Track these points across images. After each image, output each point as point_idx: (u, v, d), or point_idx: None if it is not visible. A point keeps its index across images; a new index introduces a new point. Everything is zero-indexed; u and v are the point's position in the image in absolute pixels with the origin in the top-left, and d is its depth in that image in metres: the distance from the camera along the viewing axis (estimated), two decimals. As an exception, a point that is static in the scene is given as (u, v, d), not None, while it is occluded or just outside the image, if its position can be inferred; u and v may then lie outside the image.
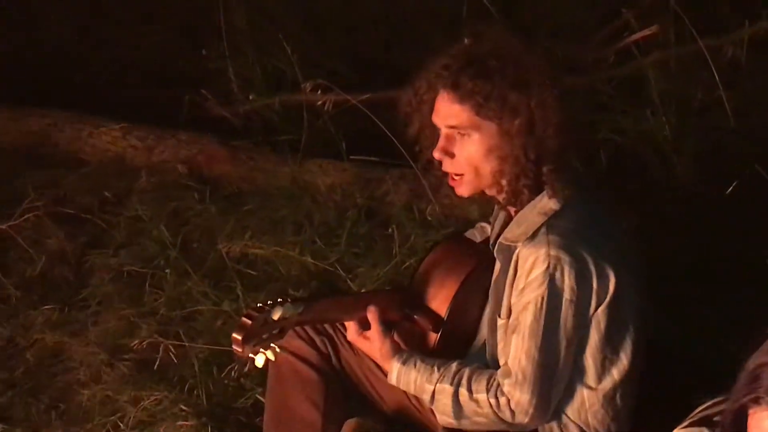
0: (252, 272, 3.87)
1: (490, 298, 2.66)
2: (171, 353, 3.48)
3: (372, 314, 2.65)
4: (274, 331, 2.49)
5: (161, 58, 5.49)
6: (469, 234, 2.95)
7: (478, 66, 2.45)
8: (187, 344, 3.46)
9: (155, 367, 3.46)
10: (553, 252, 2.39)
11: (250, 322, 2.43)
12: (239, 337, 2.43)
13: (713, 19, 4.30)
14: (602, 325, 2.47)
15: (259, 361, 2.50)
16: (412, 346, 2.71)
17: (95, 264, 4.05)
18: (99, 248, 4.13)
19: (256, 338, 2.45)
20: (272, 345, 2.51)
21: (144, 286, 3.84)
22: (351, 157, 4.25)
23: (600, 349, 2.51)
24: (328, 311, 2.63)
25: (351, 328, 2.68)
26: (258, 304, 2.48)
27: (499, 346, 2.56)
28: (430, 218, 3.83)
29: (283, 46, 4.59)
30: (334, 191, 4.13)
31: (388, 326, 2.67)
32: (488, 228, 2.88)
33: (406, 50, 4.82)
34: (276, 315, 2.46)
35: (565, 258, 2.38)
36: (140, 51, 5.56)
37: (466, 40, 2.60)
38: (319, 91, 4.05)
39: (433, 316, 2.70)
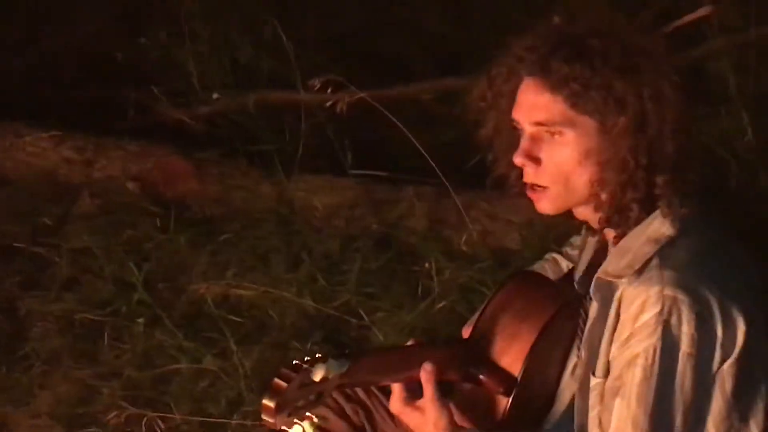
0: (237, 319, 3.82)
1: (581, 351, 2.56)
2: (158, 427, 3.40)
3: (427, 375, 2.52)
4: (312, 397, 2.39)
5: (95, 49, 5.39)
6: (538, 269, 2.88)
7: (575, 46, 2.35)
8: (176, 415, 3.40)
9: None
10: (668, 291, 2.29)
11: (285, 384, 2.32)
12: (272, 405, 2.31)
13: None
14: (728, 386, 2.37)
15: None
16: (475, 415, 2.62)
17: (33, 310, 4.00)
18: (36, 289, 4.09)
19: (291, 405, 2.35)
20: (308, 414, 2.39)
21: (101, 339, 3.78)
22: (352, 171, 4.15)
23: (725, 417, 2.40)
24: (376, 370, 2.53)
25: (396, 394, 2.55)
26: (294, 362, 2.36)
27: (592, 413, 2.47)
28: (465, 248, 3.69)
29: (258, 30, 4.48)
30: (336, 215, 4.06)
31: (444, 391, 2.56)
32: (563, 261, 2.83)
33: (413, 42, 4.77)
34: (318, 375, 2.36)
35: (684, 299, 2.28)
36: (69, 40, 5.46)
37: (556, 19, 2.50)
38: (330, 89, 3.88)
39: (503, 375, 2.62)
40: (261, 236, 4.13)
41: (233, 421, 3.42)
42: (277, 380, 2.34)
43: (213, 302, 3.88)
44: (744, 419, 2.42)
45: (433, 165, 3.59)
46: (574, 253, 2.79)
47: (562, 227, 3.76)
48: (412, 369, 2.55)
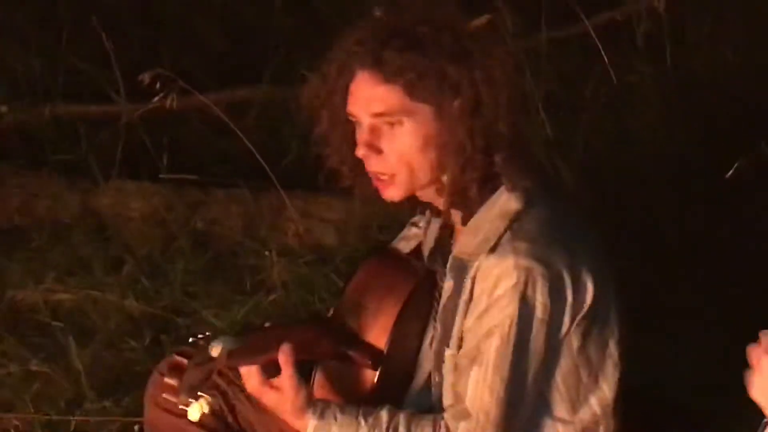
0: (59, 324, 3.76)
1: (436, 326, 2.59)
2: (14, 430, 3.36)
3: (285, 355, 2.47)
4: (207, 375, 2.39)
5: None
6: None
7: (406, 36, 2.34)
8: (29, 415, 3.31)
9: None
10: (522, 262, 2.32)
11: (185, 362, 2.32)
12: (174, 383, 2.33)
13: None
14: (575, 344, 2.44)
15: (194, 413, 2.39)
16: (341, 390, 2.63)
17: None
18: None
19: (190, 383, 2.35)
20: (202, 393, 2.40)
21: None
22: (161, 176, 4.14)
23: (573, 372, 2.47)
24: (269, 347, 2.53)
25: (252, 375, 2.49)
26: (190, 339, 2.36)
27: (446, 383, 2.49)
28: (293, 243, 3.76)
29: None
30: (150, 219, 4.04)
31: (306, 369, 2.58)
32: (408, 245, 2.82)
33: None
34: (215, 351, 2.35)
35: (538, 268, 2.32)
36: None
37: (377, 12, 2.50)
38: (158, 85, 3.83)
39: (370, 349, 2.63)
40: (73, 243, 4.06)
41: (77, 419, 3.36)
42: (177, 356, 2.35)
43: (33, 308, 3.80)
44: (593, 376, 2.48)
45: (263, 163, 3.59)
46: (408, 243, 2.82)
47: (376, 224, 3.92)
48: (274, 350, 2.53)
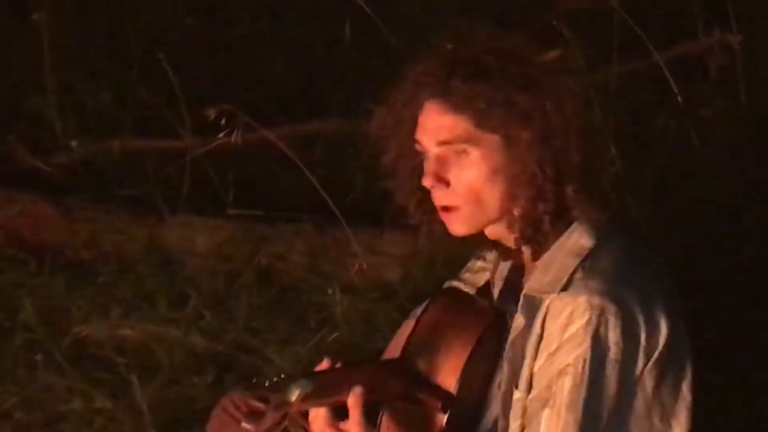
0: (123, 360, 3.76)
1: (504, 367, 2.54)
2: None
3: (355, 399, 2.44)
4: (282, 418, 2.40)
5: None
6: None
7: (473, 66, 2.34)
8: None
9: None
10: (595, 301, 2.28)
11: (263, 407, 2.32)
12: (252, 428, 2.31)
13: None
14: (648, 387, 2.39)
15: None
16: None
17: None
18: None
19: (270, 427, 2.35)
20: None
21: (-15, 383, 3.65)
22: (228, 211, 4.15)
23: (646, 417, 2.42)
24: (339, 388, 2.48)
25: (319, 417, 2.48)
26: (266, 383, 2.33)
27: (513, 426, 2.44)
28: (357, 280, 3.76)
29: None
30: (216, 254, 4.03)
31: (374, 411, 2.53)
32: (464, 288, 2.78)
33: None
34: (293, 395, 2.32)
35: (610, 307, 2.29)
36: None
37: (448, 45, 2.49)
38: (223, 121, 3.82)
39: (439, 392, 2.59)
40: (138, 278, 4.07)
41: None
42: (254, 401, 2.33)
43: (98, 343, 3.80)
44: (665, 419, 2.43)
45: (327, 199, 3.58)
46: (474, 276, 2.78)
47: (442, 258, 3.87)
48: (344, 392, 2.50)
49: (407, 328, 2.77)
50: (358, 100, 4.31)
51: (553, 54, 4.04)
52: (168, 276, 4.05)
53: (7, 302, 4.06)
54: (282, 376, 2.36)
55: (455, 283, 2.81)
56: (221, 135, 3.67)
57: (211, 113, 3.61)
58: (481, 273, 2.76)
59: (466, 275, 2.79)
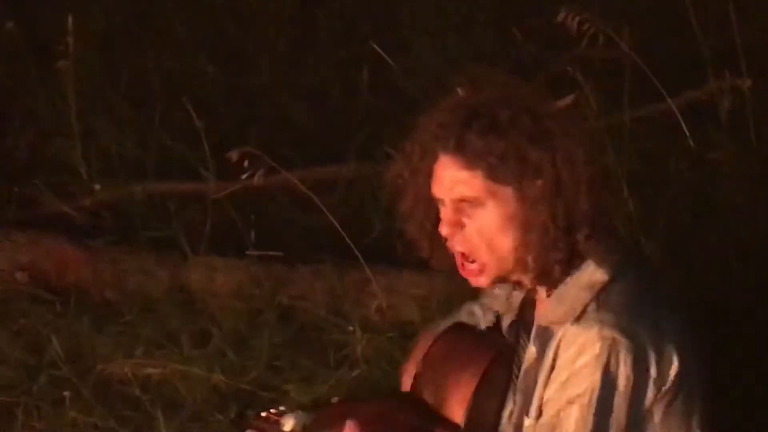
0: (146, 397, 3.79)
1: (516, 395, 2.59)
2: None
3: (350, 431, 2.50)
4: None
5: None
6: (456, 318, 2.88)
7: (486, 119, 2.39)
8: None
9: None
10: (606, 333, 2.33)
11: None
12: None
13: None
14: (657, 419, 2.42)
15: None
16: None
17: (-61, 396, 3.84)
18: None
19: None
20: None
21: (14, 421, 3.69)
22: (249, 252, 4.17)
23: None
24: (337, 422, 2.54)
25: None
26: (263, 414, 2.41)
27: None
28: (376, 319, 3.78)
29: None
30: (237, 294, 4.07)
31: None
32: (478, 310, 2.83)
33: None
34: (289, 426, 2.38)
35: (622, 340, 2.33)
36: None
37: (460, 91, 2.57)
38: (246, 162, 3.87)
39: (447, 425, 2.64)
40: (161, 318, 4.10)
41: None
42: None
43: (122, 381, 3.83)
44: None
45: (347, 238, 3.64)
46: (491, 300, 2.80)
47: (459, 298, 3.90)
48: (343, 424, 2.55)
49: (421, 346, 2.81)
50: (375, 143, 4.38)
51: (567, 100, 4.14)
52: (191, 315, 4.08)
53: (34, 341, 4.09)
54: (281, 408, 2.42)
55: (473, 305, 2.85)
56: (243, 177, 3.72)
57: (234, 155, 3.67)
58: (498, 299, 2.77)
59: (484, 298, 2.82)
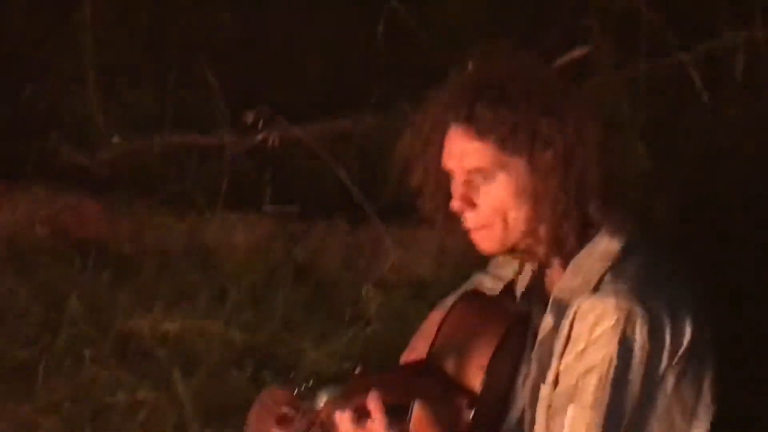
0: (165, 353, 3.83)
1: (532, 364, 2.62)
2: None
3: (373, 401, 2.46)
4: (311, 424, 2.43)
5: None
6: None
7: (497, 91, 2.41)
8: None
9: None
10: (623, 303, 2.36)
11: (294, 414, 2.37)
12: None
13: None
14: (670, 386, 2.46)
15: None
16: (438, 428, 2.59)
17: (-42, 350, 3.89)
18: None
19: None
20: None
21: (34, 376, 3.75)
22: (265, 208, 4.18)
23: (667, 415, 2.49)
24: (361, 394, 2.55)
25: (344, 419, 2.48)
26: (295, 390, 2.42)
27: (539, 422, 2.51)
28: (390, 276, 3.79)
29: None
30: (254, 250, 4.06)
31: (401, 411, 2.56)
32: (487, 281, 2.86)
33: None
34: (322, 401, 2.40)
35: (638, 310, 2.35)
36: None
37: (470, 65, 2.56)
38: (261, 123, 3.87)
39: (465, 391, 2.66)
40: (179, 273, 4.13)
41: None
42: (285, 408, 2.40)
43: (141, 337, 3.86)
44: (686, 417, 2.49)
45: (359, 196, 3.64)
46: (501, 269, 2.83)
47: (473, 255, 3.91)
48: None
49: (430, 322, 2.83)
50: (391, 97, 4.37)
51: (581, 51, 4.12)
52: (208, 271, 4.10)
53: (53, 297, 4.12)
54: (311, 382, 2.43)
55: (483, 276, 2.87)
56: (259, 136, 3.72)
57: (249, 116, 3.66)
58: (508, 265, 2.80)
59: (493, 268, 2.85)
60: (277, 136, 3.70)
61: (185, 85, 4.84)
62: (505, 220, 2.43)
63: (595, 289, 2.40)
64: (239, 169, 4.33)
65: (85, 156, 4.81)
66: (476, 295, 2.87)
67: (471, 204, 2.44)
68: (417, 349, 2.79)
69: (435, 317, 2.81)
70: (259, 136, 3.74)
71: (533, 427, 2.50)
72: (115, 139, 4.80)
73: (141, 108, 4.85)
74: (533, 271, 2.67)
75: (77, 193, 4.55)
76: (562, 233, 2.42)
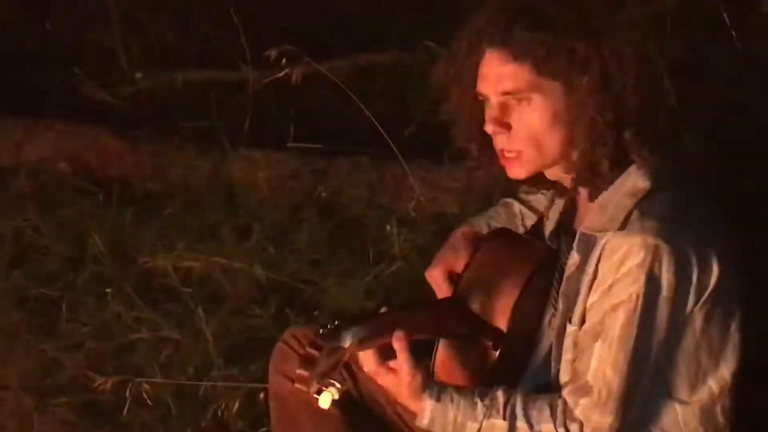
0: (188, 290, 3.82)
1: (558, 303, 2.59)
2: (145, 393, 3.43)
3: (399, 342, 2.48)
4: (336, 363, 2.41)
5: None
6: (494, 214, 2.90)
7: (533, 14, 2.37)
8: (159, 380, 3.41)
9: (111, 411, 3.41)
10: (650, 240, 2.32)
11: (316, 354, 2.35)
12: (306, 374, 2.35)
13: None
14: (697, 325, 2.44)
15: (325, 401, 2.40)
16: (463, 367, 2.66)
17: (-17, 287, 3.91)
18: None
19: (323, 373, 2.37)
20: (332, 381, 2.41)
21: (58, 313, 3.78)
22: (289, 144, 4.16)
23: (694, 354, 2.47)
24: (388, 333, 2.53)
25: (369, 358, 2.51)
26: (320, 330, 2.40)
27: (565, 359, 2.49)
28: (414, 214, 3.78)
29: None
30: (278, 187, 4.08)
31: (423, 351, 2.59)
32: (516, 205, 2.85)
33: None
34: (347, 342, 2.38)
35: (665, 247, 2.32)
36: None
37: None
38: (284, 61, 3.83)
39: (491, 330, 2.64)
40: (203, 210, 4.12)
41: (208, 383, 3.45)
42: (308, 348, 2.40)
43: (164, 274, 3.86)
44: (712, 357, 2.47)
45: (384, 134, 3.61)
46: (530, 196, 2.83)
47: (498, 191, 3.88)
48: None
49: (456, 239, 2.83)
50: (415, 34, 4.32)
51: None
52: (232, 208, 4.09)
53: (76, 234, 4.14)
54: (336, 323, 2.42)
55: (513, 201, 2.86)
56: (282, 72, 3.69)
57: (272, 54, 3.64)
58: (539, 201, 2.79)
59: (523, 195, 2.83)
60: (300, 72, 3.63)
61: (208, 21, 4.80)
62: (539, 144, 2.41)
63: (623, 226, 2.36)
64: (263, 105, 4.28)
65: (108, 92, 4.76)
66: (505, 233, 2.84)
67: (505, 126, 2.41)
68: (446, 261, 2.78)
69: (463, 235, 2.82)
70: (282, 73, 3.66)
71: (559, 366, 2.49)
72: (138, 75, 4.75)
73: (164, 44, 4.80)
74: (563, 209, 2.64)
75: (100, 130, 4.51)
76: (596, 159, 2.39)
